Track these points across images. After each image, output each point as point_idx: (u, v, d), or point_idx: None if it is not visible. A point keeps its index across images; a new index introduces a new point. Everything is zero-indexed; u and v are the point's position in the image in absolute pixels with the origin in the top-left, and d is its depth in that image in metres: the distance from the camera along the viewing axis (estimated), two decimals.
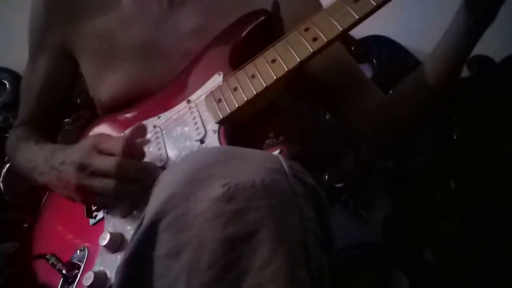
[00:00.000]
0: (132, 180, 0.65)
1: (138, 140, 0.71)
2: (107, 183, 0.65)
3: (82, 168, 0.67)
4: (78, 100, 1.25)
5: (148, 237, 0.48)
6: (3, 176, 1.18)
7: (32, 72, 0.96)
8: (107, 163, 0.65)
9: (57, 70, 0.94)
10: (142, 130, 0.72)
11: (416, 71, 0.77)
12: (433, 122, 1.13)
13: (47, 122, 0.97)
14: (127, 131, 0.71)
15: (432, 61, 0.74)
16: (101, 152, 0.66)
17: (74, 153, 0.69)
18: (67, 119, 1.25)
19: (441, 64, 0.73)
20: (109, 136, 0.70)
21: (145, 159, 0.74)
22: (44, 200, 0.88)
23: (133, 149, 0.68)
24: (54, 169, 0.73)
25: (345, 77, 0.86)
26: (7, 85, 1.28)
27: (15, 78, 1.28)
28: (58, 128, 1.03)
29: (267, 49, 0.68)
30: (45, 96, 0.95)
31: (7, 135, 1.17)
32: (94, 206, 0.74)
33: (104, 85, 0.85)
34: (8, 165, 1.18)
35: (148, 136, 0.75)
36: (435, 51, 0.74)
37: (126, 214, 0.69)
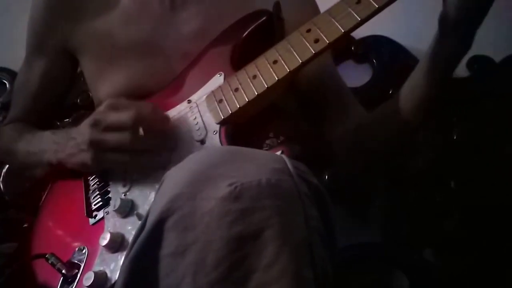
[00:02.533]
0: (147, 133, 0.67)
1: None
2: (122, 136, 0.67)
3: (96, 123, 0.69)
4: (78, 100, 1.25)
5: (154, 236, 0.48)
6: (3, 176, 1.18)
7: (29, 70, 0.96)
8: (124, 115, 0.67)
9: (56, 70, 0.94)
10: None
11: (393, 98, 0.73)
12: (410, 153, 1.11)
13: (40, 120, 0.97)
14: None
15: (407, 89, 0.70)
16: (118, 109, 0.69)
17: (89, 118, 0.72)
18: (67, 119, 1.25)
19: (416, 91, 0.68)
20: (127, 99, 0.72)
21: None
22: (43, 199, 0.88)
23: (155, 109, 0.71)
24: (71, 139, 0.75)
25: (329, 91, 0.85)
26: (7, 85, 1.28)
27: (15, 78, 1.28)
28: (51, 126, 1.04)
29: (269, 50, 0.68)
30: (42, 94, 0.95)
31: None
32: (108, 167, 0.76)
33: (104, 84, 0.85)
34: (8, 165, 1.18)
35: None
36: (410, 78, 0.70)
37: (127, 214, 0.69)
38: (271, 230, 0.45)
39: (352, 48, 1.24)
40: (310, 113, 0.88)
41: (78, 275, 0.67)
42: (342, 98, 0.86)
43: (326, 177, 1.13)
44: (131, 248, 0.51)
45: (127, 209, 0.69)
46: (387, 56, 1.24)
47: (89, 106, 1.16)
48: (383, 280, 1.13)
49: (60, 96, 0.99)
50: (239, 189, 0.46)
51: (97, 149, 0.70)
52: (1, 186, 1.18)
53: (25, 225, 1.08)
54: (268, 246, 0.45)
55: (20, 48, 0.98)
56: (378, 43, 1.25)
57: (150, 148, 0.70)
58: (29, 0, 0.95)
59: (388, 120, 0.74)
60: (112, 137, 0.68)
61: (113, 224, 0.70)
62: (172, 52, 0.83)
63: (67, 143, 0.77)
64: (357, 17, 0.60)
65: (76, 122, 1.24)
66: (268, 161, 0.52)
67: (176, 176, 0.51)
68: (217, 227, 0.45)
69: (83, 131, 0.72)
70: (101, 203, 0.74)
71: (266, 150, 0.71)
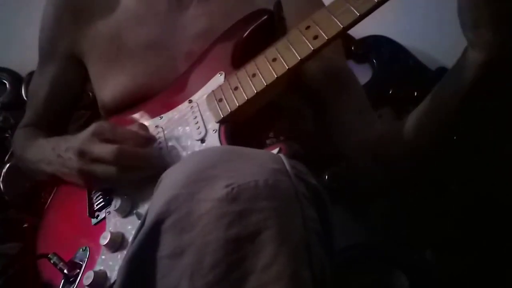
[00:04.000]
0: (132, 168, 0.68)
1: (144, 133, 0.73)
2: (108, 170, 0.68)
3: (82, 154, 0.70)
4: None
5: (151, 237, 0.48)
6: (3, 176, 1.18)
7: (40, 76, 0.97)
8: (106, 150, 0.67)
9: (66, 76, 0.95)
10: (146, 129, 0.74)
11: (421, 106, 0.67)
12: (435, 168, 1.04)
13: (53, 125, 0.98)
14: (133, 126, 0.73)
15: (437, 98, 0.64)
16: (104, 139, 0.69)
17: (76, 140, 0.72)
18: None
19: (447, 102, 0.62)
20: (114, 124, 0.72)
21: None
22: (49, 201, 0.88)
23: (139, 138, 0.70)
24: (60, 157, 0.77)
25: (343, 97, 0.83)
26: (7, 85, 1.28)
27: (15, 78, 1.28)
28: (65, 131, 1.04)
29: (268, 48, 0.68)
30: (52, 100, 0.97)
31: (7, 135, 1.17)
32: (99, 190, 0.77)
33: (108, 86, 0.86)
34: (8, 165, 1.18)
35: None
36: (440, 88, 0.63)
37: (127, 214, 0.69)
38: (269, 231, 0.45)
39: (352, 48, 1.24)
40: (321, 116, 0.86)
41: (80, 275, 0.67)
42: (362, 104, 0.83)
43: (326, 177, 1.13)
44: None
45: (128, 209, 0.69)
46: (387, 56, 1.24)
47: (89, 106, 1.16)
48: (383, 280, 1.13)
49: (71, 101, 1.00)
50: (236, 190, 0.46)
51: (87, 178, 0.72)
52: (1, 186, 1.18)
53: (25, 225, 1.09)
54: (265, 248, 0.44)
55: (20, 48, 0.99)
56: (378, 43, 1.25)
57: (136, 177, 0.70)
58: (29, 1, 0.96)
59: (427, 125, 0.67)
60: (99, 169, 0.69)
61: (114, 223, 0.70)
62: (177, 52, 0.83)
63: (56, 159, 0.78)
64: (356, 12, 0.59)
65: (76, 122, 1.24)
66: (265, 161, 0.51)
67: (174, 177, 0.51)
68: (214, 229, 0.45)
69: (70, 156, 0.73)
70: (103, 203, 0.74)
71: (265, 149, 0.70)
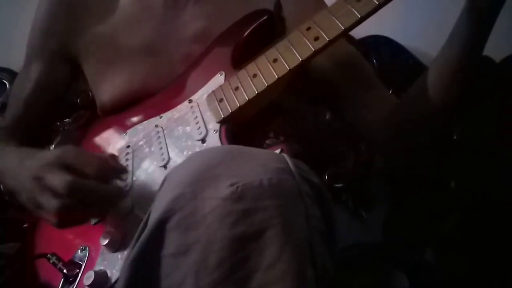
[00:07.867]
0: (80, 206, 0.62)
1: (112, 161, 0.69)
2: (52, 203, 0.62)
3: (36, 179, 0.63)
4: (78, 100, 1.25)
5: (155, 236, 0.48)
6: None
7: (25, 75, 0.94)
8: (59, 179, 0.60)
9: (52, 75, 0.92)
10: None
11: (422, 76, 0.72)
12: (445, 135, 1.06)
13: (31, 126, 0.95)
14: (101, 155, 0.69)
15: (436, 65, 0.70)
16: (64, 167, 0.62)
17: (38, 161, 0.65)
18: (67, 119, 1.25)
19: (445, 69, 0.68)
20: (81, 151, 0.68)
21: (147, 159, 0.74)
22: None
23: (106, 168, 0.65)
24: (16, 175, 0.71)
25: (353, 78, 0.84)
26: (7, 85, 1.28)
27: (15, 78, 1.28)
28: (48, 132, 1.01)
29: (269, 49, 0.68)
30: (34, 101, 0.93)
31: None
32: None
33: (106, 86, 0.85)
34: None
35: (150, 135, 0.76)
36: (440, 54, 0.70)
37: (128, 214, 0.69)
38: (273, 230, 0.45)
39: None
40: (333, 98, 0.86)
41: (79, 275, 0.67)
42: (370, 81, 0.85)
43: (326, 177, 1.14)
44: (132, 248, 0.51)
45: (128, 209, 0.69)
46: (387, 56, 1.24)
47: (89, 106, 1.16)
48: (383, 280, 1.13)
49: (53, 103, 0.95)
50: (241, 189, 0.46)
51: (34, 206, 0.65)
52: (1, 186, 1.17)
53: (25, 225, 1.09)
54: (270, 246, 0.45)
55: (20, 48, 0.98)
56: (378, 43, 1.25)
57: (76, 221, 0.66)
58: (29, 1, 0.96)
59: (421, 98, 0.71)
60: (44, 200, 0.63)
61: (114, 223, 0.70)
62: (174, 53, 0.83)
63: (13, 173, 0.72)
64: (357, 14, 0.60)
65: (76, 122, 1.24)
66: (269, 160, 0.51)
67: (178, 176, 0.51)
68: (219, 227, 0.45)
69: (25, 176, 0.66)
70: None
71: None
